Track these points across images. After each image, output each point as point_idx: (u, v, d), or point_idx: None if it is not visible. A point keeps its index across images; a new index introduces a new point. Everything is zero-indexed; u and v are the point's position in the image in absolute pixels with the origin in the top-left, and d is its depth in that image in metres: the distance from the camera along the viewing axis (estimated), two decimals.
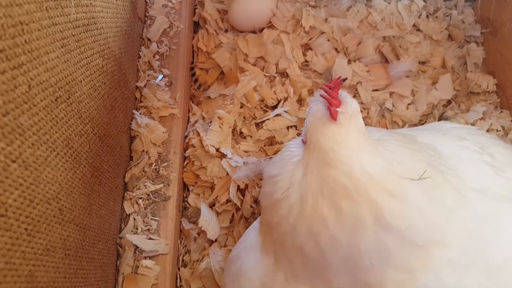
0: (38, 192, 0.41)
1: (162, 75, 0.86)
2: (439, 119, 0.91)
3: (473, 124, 0.88)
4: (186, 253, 0.84)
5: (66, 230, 0.48)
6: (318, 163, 0.46)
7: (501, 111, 0.93)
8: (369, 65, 0.96)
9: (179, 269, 0.81)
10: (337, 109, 0.45)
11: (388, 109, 0.92)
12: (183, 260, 0.83)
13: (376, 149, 0.46)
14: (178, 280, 0.80)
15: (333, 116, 0.45)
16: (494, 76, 0.96)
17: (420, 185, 0.45)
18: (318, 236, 0.45)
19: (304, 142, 0.51)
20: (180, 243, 0.83)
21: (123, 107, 0.72)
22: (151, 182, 0.77)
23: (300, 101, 0.93)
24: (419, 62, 0.98)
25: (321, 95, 0.48)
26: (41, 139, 0.42)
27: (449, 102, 0.94)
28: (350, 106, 0.46)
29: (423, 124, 0.91)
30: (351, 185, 0.43)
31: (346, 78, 0.58)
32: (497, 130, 0.88)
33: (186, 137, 0.89)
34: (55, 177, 0.45)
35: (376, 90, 0.94)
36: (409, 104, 0.93)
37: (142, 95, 0.84)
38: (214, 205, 0.86)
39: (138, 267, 0.71)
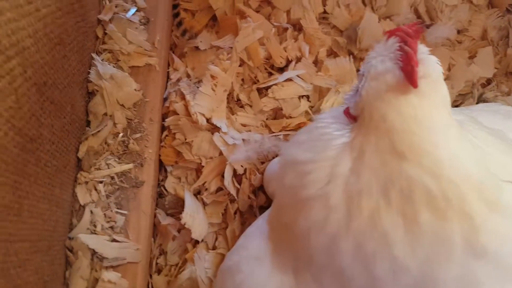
0: None
1: (135, 8, 0.61)
2: (478, 102, 0.77)
3: None
4: (160, 254, 0.64)
5: None
6: (382, 151, 0.34)
7: None
8: (401, 25, 0.77)
9: (151, 276, 0.61)
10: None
11: None
12: (156, 264, 0.63)
13: (464, 135, 0.35)
14: None
15: (413, 81, 0.32)
16: None
17: None
18: (373, 259, 0.34)
19: (351, 117, 0.39)
20: (154, 242, 0.62)
21: (77, 46, 0.48)
22: (116, 160, 0.54)
23: (316, 63, 0.73)
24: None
25: (399, 47, 0.34)
26: None
27: (488, 81, 0.80)
28: (433, 67, 0.34)
29: (457, 106, 0.76)
30: (438, 189, 0.32)
31: (430, 24, 0.40)
32: None
33: (165, 99, 0.66)
34: None
35: None
36: (444, 79, 0.76)
37: (105, 34, 0.59)
38: (199, 193, 0.66)
39: (98, 281, 0.50)
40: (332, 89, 0.70)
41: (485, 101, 0.77)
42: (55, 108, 0.41)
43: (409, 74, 0.33)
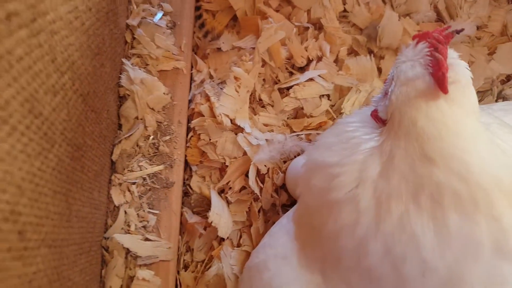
0: None
1: (162, 12, 0.61)
2: (497, 99, 0.77)
3: None
4: (187, 251, 0.65)
5: (31, 266, 0.26)
6: (411, 156, 0.34)
7: None
8: (421, 23, 0.77)
9: (178, 272, 0.62)
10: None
11: None
12: (183, 261, 0.64)
13: (493, 140, 0.35)
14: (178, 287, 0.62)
15: (443, 87, 0.32)
16: None
17: None
18: (402, 260, 0.34)
19: (379, 120, 0.39)
20: (181, 240, 0.64)
21: (110, 53, 0.49)
22: (147, 161, 0.56)
23: (337, 62, 0.73)
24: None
25: (430, 53, 0.34)
26: None
27: (508, 78, 0.79)
28: (462, 72, 0.34)
29: None
30: (468, 193, 0.32)
31: (461, 30, 0.40)
32: None
33: (190, 101, 0.67)
34: (8, 175, 0.23)
35: None
36: None
37: (134, 38, 0.60)
38: (223, 191, 0.67)
39: (132, 279, 0.51)
40: (353, 88, 0.71)
41: (504, 98, 0.77)
42: (95, 116, 0.42)
43: (439, 80, 0.33)
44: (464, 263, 0.33)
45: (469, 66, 0.81)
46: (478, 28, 0.83)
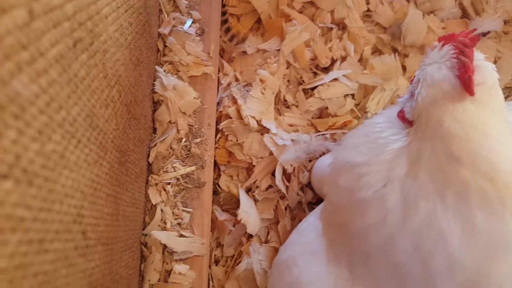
0: (51, 221, 0.23)
1: (191, 20, 0.64)
2: None
3: None
4: (217, 247, 0.68)
5: (91, 261, 0.30)
6: (438, 155, 0.34)
7: None
8: (445, 20, 0.77)
9: (210, 267, 0.65)
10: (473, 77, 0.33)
11: None
12: (214, 256, 0.67)
13: None
14: (210, 281, 0.65)
15: (470, 89, 0.33)
16: None
17: None
18: (430, 256, 0.35)
19: (406, 121, 0.39)
20: (211, 236, 0.67)
21: (146, 62, 0.52)
22: (180, 163, 0.59)
23: (361, 61, 0.74)
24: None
25: (456, 56, 0.35)
26: (53, 120, 0.23)
27: None
28: (489, 74, 0.35)
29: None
30: (494, 192, 0.32)
31: (487, 32, 0.40)
32: None
33: (217, 103, 0.70)
34: (75, 182, 0.26)
35: None
36: None
37: (166, 46, 0.62)
38: (250, 190, 0.69)
39: (169, 273, 0.55)
40: (377, 86, 0.71)
41: None
42: (136, 122, 0.45)
43: (465, 83, 0.34)
44: (491, 260, 0.34)
45: (496, 62, 0.81)
46: (505, 22, 0.82)
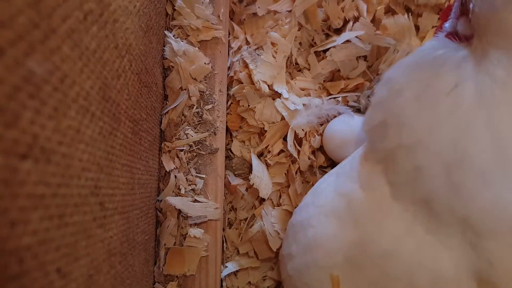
0: (70, 195, 0.24)
1: None
2: None
3: None
4: (230, 210, 0.70)
5: (109, 231, 0.31)
6: (508, 49, 0.33)
7: None
8: None
9: (223, 230, 0.68)
10: None
11: None
12: (228, 219, 0.69)
13: None
14: (224, 243, 0.68)
15: None
16: None
17: None
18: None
19: (459, 38, 0.38)
20: (225, 200, 0.69)
21: (155, 28, 0.50)
22: (193, 129, 0.59)
23: (374, 22, 0.71)
24: None
25: None
26: (68, 96, 0.23)
27: None
28: None
29: None
30: None
31: None
32: None
33: (228, 68, 0.69)
34: (91, 156, 0.26)
35: None
36: None
37: (174, 10, 0.60)
38: (262, 155, 0.70)
39: (185, 237, 0.57)
40: (390, 48, 0.69)
41: None
42: (147, 90, 0.45)
43: None
44: None
45: None
46: None
